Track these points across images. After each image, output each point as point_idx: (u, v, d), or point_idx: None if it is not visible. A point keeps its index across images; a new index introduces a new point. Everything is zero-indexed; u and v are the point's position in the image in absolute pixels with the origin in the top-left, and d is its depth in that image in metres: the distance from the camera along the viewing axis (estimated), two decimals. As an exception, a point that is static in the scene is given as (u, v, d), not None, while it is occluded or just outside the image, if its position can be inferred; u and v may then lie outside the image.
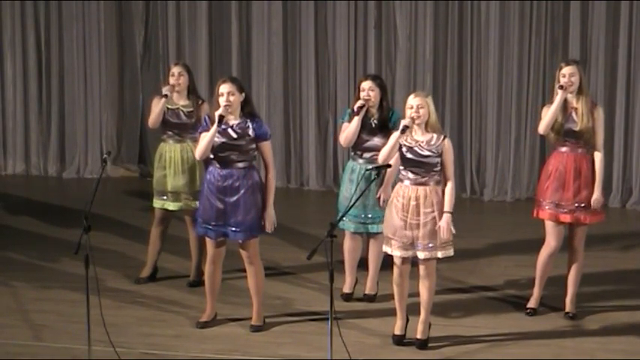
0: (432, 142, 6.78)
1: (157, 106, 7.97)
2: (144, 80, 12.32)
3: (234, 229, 7.03)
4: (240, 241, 7.11)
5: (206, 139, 6.93)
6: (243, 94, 7.02)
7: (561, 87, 7.17)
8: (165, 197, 8.06)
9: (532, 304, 7.58)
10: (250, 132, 6.98)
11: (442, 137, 6.81)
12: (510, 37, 11.12)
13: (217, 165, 7.02)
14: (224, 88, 6.95)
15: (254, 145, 7.02)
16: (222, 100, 6.94)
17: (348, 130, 7.57)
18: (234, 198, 6.99)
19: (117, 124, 12.55)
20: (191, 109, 8.00)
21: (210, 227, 7.08)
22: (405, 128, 6.74)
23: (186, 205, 8.01)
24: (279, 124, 11.86)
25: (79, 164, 12.51)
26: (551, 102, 7.26)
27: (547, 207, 7.33)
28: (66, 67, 12.41)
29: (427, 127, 6.80)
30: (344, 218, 7.39)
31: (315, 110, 11.76)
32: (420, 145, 6.78)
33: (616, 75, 10.90)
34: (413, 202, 6.78)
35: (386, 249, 6.97)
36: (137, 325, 7.37)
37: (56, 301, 7.87)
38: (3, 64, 12.54)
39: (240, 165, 7.00)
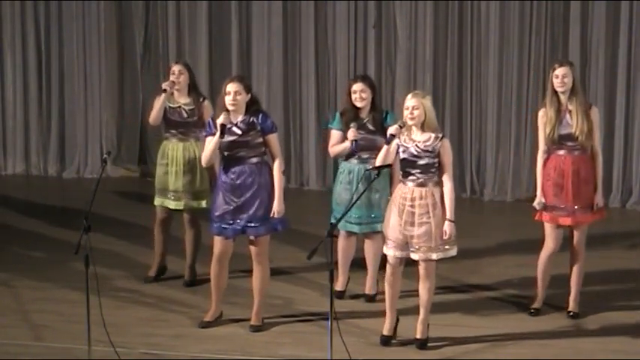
0: (429, 142, 6.76)
1: (157, 103, 7.96)
2: (144, 80, 12.32)
3: (249, 224, 7.04)
4: (254, 237, 7.10)
5: (210, 146, 7.00)
6: (250, 94, 7.03)
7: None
8: (166, 196, 8.04)
9: (536, 304, 7.57)
10: (256, 126, 7.01)
11: (440, 137, 6.79)
12: (510, 37, 11.12)
13: (229, 163, 7.03)
14: (231, 87, 6.95)
15: (261, 139, 7.03)
16: (228, 99, 6.94)
17: (342, 149, 7.60)
18: (249, 194, 7.01)
19: (117, 124, 12.56)
20: (192, 107, 7.99)
21: (226, 226, 7.07)
22: (392, 138, 6.76)
23: (186, 205, 8.01)
24: (280, 124, 11.82)
25: (79, 164, 12.52)
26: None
27: (547, 210, 7.31)
28: (66, 67, 12.42)
29: (424, 126, 6.77)
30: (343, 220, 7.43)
31: (315, 110, 11.76)
32: (416, 145, 6.76)
33: (616, 75, 10.90)
34: (409, 203, 6.76)
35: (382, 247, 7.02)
36: (137, 325, 7.37)
37: (56, 301, 7.87)
38: (3, 64, 12.55)
39: (252, 161, 7.01)
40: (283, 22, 11.75)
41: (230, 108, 6.94)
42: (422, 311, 6.97)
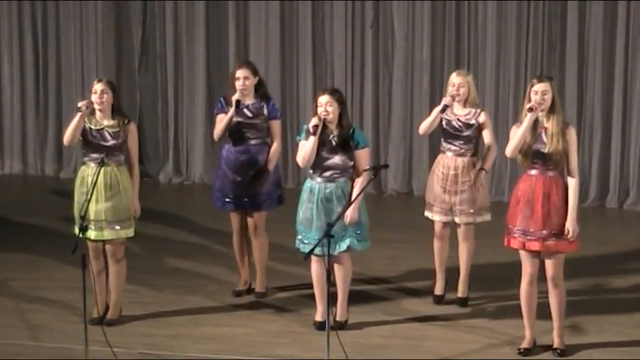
0: (470, 116, 7.51)
1: (73, 123, 7.18)
2: (141, 80, 12.30)
3: (250, 200, 7.73)
4: (253, 213, 7.78)
5: (224, 121, 7.63)
6: (257, 77, 7.74)
7: (530, 109, 6.59)
8: (86, 225, 6.98)
9: (525, 344, 6.92)
10: (265, 111, 7.71)
11: (479, 111, 7.51)
12: (508, 37, 11.12)
13: (232, 142, 7.73)
14: (240, 73, 7.67)
15: (267, 124, 7.73)
16: (238, 84, 7.61)
17: (305, 150, 7.08)
18: (250, 172, 7.69)
19: (114, 124, 12.52)
20: (117, 130, 7.24)
21: (228, 200, 7.78)
22: (445, 107, 7.43)
23: (110, 236, 7.26)
24: (277, 123, 11.85)
25: (77, 164, 12.48)
26: (520, 121, 6.68)
27: (516, 234, 6.77)
28: (63, 67, 12.40)
29: (466, 103, 7.52)
30: (305, 241, 7.13)
31: (313, 110, 11.71)
32: (458, 119, 7.52)
33: (613, 75, 10.89)
34: (452, 172, 7.53)
35: (427, 214, 7.70)
36: (135, 325, 7.37)
37: (53, 301, 7.86)
38: (0, 64, 12.52)
39: (254, 142, 7.73)
40: (280, 22, 11.74)
41: (240, 94, 7.58)
42: (462, 272, 7.69)
